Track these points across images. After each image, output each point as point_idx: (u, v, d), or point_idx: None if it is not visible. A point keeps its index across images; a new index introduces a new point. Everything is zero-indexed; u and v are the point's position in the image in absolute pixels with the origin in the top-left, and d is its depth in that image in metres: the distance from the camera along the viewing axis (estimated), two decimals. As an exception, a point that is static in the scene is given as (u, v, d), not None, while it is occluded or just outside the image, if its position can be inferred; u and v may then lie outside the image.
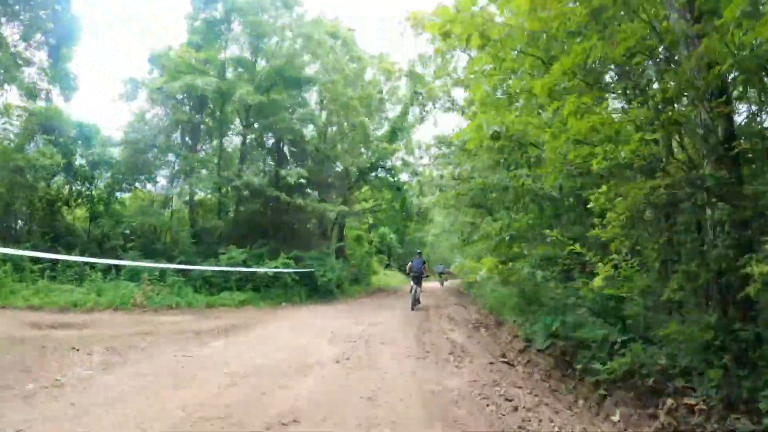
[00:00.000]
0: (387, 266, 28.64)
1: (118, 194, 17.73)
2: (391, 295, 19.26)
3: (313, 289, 14.82)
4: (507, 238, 5.64)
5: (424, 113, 15.83)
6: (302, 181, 18.95)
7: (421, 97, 15.66)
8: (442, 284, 26.55)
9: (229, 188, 18.26)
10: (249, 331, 8.36)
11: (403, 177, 21.96)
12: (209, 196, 19.34)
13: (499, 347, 7.80)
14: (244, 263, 14.29)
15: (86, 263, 12.72)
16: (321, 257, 15.07)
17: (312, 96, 19.66)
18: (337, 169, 20.57)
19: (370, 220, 26.10)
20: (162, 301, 12.44)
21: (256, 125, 16.80)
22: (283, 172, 14.34)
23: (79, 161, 16.87)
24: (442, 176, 10.48)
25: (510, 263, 6.29)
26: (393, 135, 20.68)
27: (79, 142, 17.00)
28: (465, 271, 6.48)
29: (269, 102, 14.78)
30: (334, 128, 20.44)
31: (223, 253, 14.26)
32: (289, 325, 9.19)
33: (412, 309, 12.41)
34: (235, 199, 17.30)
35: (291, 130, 15.47)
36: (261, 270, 13.63)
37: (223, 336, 7.82)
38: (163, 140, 17.49)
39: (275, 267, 13.85)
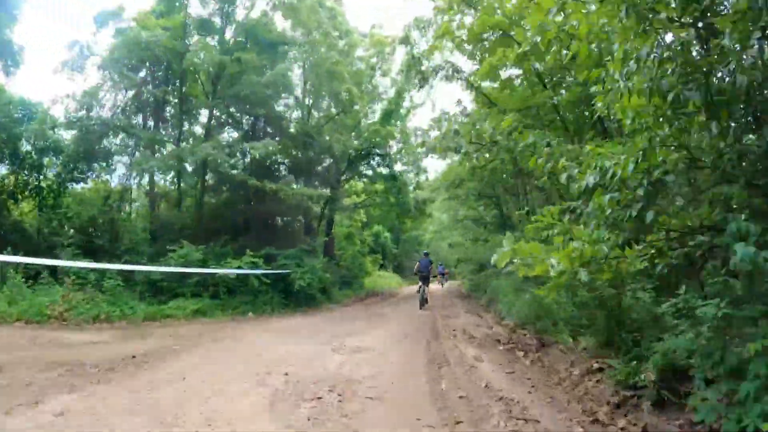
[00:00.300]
0: (381, 267, 25.01)
1: (71, 185, 14.25)
2: (387, 300, 15.69)
3: (288, 295, 11.23)
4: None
5: (422, 82, 12.39)
6: (283, 171, 15.53)
7: (418, 63, 12.21)
8: (442, 285, 23.13)
9: (198, 178, 14.72)
10: (149, 369, 4.77)
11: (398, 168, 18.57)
12: (173, 187, 15.74)
13: (571, 395, 4.28)
14: (202, 263, 10.71)
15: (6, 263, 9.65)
16: (299, 256, 11.48)
17: (294, 75, 16.22)
18: (325, 162, 17.09)
19: (363, 218, 22.54)
20: (90, 311, 9.11)
21: (226, 102, 13.22)
22: (247, 145, 10.79)
23: (26, 147, 13.42)
24: (457, 131, 6.96)
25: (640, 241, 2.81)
26: (386, 118, 17.24)
27: (24, 124, 13.51)
28: (525, 262, 2.81)
29: (234, 63, 11.25)
30: (321, 113, 16.98)
31: (174, 251, 10.65)
32: (226, 355, 5.61)
33: (420, 308, 11.55)
34: (202, 188, 13.69)
35: (264, 102, 11.94)
36: (220, 271, 10.05)
37: (94, 382, 4.25)
38: (120, 121, 14.05)
39: (238, 267, 10.26)
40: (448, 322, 8.73)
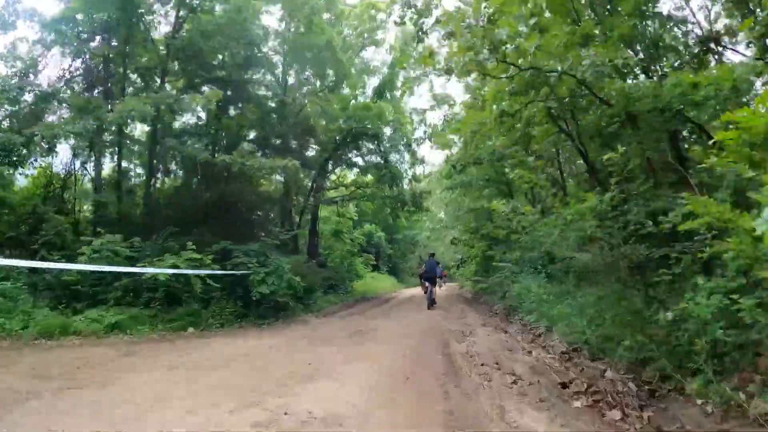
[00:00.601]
0: (375, 268, 21.82)
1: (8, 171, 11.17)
2: (380, 306, 12.57)
3: (249, 304, 8.08)
4: None
5: (421, 32, 9.50)
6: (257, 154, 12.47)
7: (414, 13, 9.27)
8: (440, 287, 20.06)
9: (147, 156, 11.62)
10: None
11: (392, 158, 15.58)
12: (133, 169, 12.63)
13: None
14: (128, 260, 7.61)
15: None
16: (262, 252, 8.32)
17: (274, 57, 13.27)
18: (308, 146, 14.10)
19: (354, 215, 19.44)
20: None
21: (179, 59, 10.13)
22: (187, 97, 7.73)
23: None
24: (491, 29, 3.94)
25: None
26: (379, 94, 14.33)
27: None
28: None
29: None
30: (304, 90, 13.98)
31: (89, 243, 7.55)
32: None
33: (429, 308, 11.01)
34: (150, 169, 10.60)
35: (229, 65, 8.88)
36: (144, 270, 6.93)
37: None
38: (60, 92, 11.11)
39: (173, 267, 7.14)
40: (465, 343, 5.66)
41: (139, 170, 13.27)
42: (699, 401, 3.17)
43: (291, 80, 14.08)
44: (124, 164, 12.61)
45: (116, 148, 10.35)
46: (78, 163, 11.82)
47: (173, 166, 12.08)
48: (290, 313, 9.00)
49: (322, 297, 11.70)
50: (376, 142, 13.69)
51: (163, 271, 6.81)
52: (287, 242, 12.16)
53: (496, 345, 5.60)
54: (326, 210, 17.30)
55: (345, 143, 13.90)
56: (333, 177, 16.29)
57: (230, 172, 10.40)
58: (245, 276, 7.87)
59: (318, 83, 14.28)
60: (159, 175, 11.38)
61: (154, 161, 10.77)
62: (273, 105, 11.18)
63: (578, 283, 5.87)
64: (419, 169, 17.28)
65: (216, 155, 8.56)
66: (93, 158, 11.69)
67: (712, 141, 2.96)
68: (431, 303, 11.15)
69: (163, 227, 9.68)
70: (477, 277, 14.12)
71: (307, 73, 14.31)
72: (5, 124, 10.58)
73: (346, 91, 15.56)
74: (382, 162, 14.10)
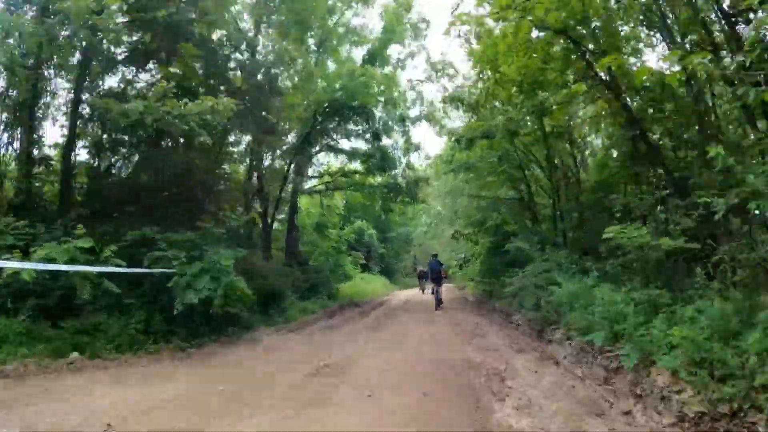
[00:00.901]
0: (365, 268, 19.09)
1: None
2: (369, 314, 9.94)
3: (172, 317, 5.43)
4: None
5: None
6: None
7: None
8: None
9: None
10: None
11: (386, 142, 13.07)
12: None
13: None
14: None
15: None
16: (197, 245, 5.64)
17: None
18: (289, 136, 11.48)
19: (341, 208, 16.84)
20: None
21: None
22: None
23: None
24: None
25: None
26: (370, 61, 11.83)
27: None
28: None
29: None
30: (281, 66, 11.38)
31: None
32: None
33: (436, 309, 10.45)
34: (70, 138, 7.94)
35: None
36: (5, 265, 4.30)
37: None
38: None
39: (46, 260, 4.51)
40: (511, 399, 3.08)
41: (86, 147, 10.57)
42: None
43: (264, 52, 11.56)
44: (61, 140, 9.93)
45: (27, 112, 7.67)
46: (5, 137, 9.16)
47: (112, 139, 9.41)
48: (246, 327, 6.36)
49: (296, 303, 9.07)
50: (365, 118, 11.13)
51: (18, 265, 4.16)
52: (252, 235, 9.54)
53: (565, 399, 3.03)
54: (310, 202, 14.74)
55: (327, 120, 11.33)
56: (316, 166, 13.71)
57: (177, 145, 7.82)
58: (168, 277, 5.23)
59: (298, 54, 11.75)
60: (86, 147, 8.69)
61: (80, 130, 8.10)
62: (235, 56, 8.68)
63: (704, 285, 3.38)
64: (414, 157, 14.75)
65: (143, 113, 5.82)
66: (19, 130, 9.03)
67: None
68: (438, 303, 10.84)
69: (95, 216, 7.01)
70: (484, 278, 11.62)
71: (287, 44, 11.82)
72: None
73: (331, 68, 13.06)
74: (371, 141, 11.54)
